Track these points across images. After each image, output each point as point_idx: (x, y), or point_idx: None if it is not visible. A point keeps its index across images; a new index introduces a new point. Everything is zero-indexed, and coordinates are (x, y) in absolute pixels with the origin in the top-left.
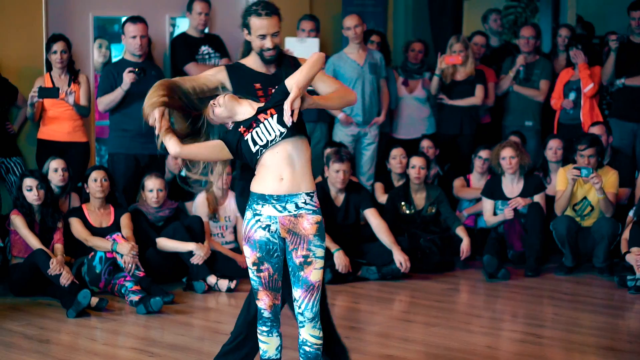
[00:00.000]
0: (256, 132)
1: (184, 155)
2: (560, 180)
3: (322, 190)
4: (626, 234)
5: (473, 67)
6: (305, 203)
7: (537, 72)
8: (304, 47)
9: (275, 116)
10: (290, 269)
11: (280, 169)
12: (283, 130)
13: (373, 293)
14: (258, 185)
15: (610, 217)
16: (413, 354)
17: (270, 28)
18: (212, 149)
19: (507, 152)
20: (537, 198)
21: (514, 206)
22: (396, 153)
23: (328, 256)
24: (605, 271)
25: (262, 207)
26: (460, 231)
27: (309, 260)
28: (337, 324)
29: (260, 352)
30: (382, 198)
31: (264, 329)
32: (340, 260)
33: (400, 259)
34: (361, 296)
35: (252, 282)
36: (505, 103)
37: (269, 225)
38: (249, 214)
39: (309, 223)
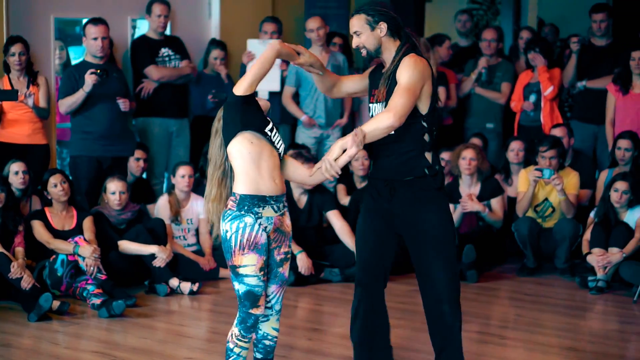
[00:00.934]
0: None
1: None
2: (522, 182)
3: None
4: (587, 235)
5: (435, 70)
6: (284, 202)
7: (499, 75)
8: None
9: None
10: (267, 266)
11: (274, 171)
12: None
13: (336, 295)
14: (255, 186)
15: (572, 218)
16: None
17: (352, 27)
18: None
19: (468, 153)
20: (494, 202)
21: (465, 208)
22: (359, 155)
23: (291, 258)
24: (566, 272)
25: (263, 209)
26: None
27: (287, 256)
28: (300, 326)
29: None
30: (344, 200)
31: (250, 336)
32: (303, 262)
33: None
34: (324, 298)
35: (253, 289)
36: (467, 105)
37: (266, 227)
38: (248, 219)
39: (289, 220)
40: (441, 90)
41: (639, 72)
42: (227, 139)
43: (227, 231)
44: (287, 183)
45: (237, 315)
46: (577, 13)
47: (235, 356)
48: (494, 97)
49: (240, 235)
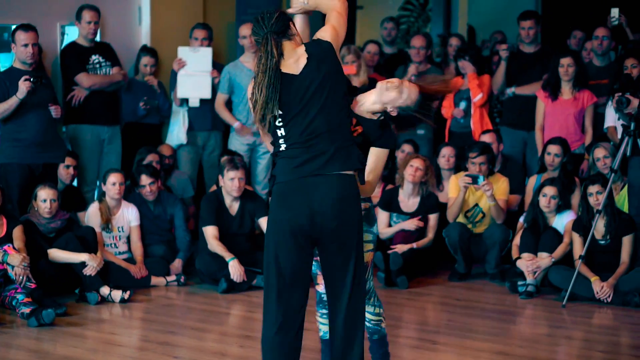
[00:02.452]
0: None
1: None
2: (452, 188)
3: (216, 198)
4: (517, 240)
5: (366, 76)
6: None
7: None
8: (197, 57)
9: None
10: None
11: None
12: None
13: None
14: None
15: (501, 223)
16: None
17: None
18: None
19: (416, 162)
20: (431, 218)
21: (407, 227)
22: None
23: (223, 265)
24: (496, 277)
25: None
26: None
27: None
28: (232, 333)
29: (321, 333)
30: None
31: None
32: (235, 269)
33: None
34: (256, 305)
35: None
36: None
37: None
38: None
39: None
40: None
41: (568, 78)
42: None
43: None
44: (219, 190)
45: (374, 298)
46: (506, 20)
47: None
48: None
49: None
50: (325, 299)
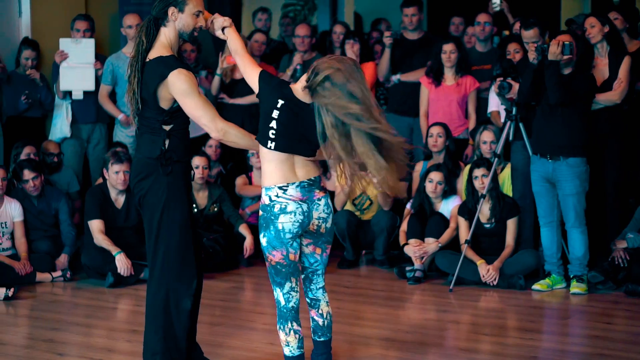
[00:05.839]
0: None
1: None
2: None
3: (101, 192)
4: (404, 226)
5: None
6: None
7: None
8: (79, 48)
9: None
10: None
11: None
12: None
13: None
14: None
15: (389, 210)
16: None
17: None
18: None
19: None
20: None
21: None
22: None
23: (110, 259)
24: (385, 263)
25: None
26: (243, 229)
27: None
28: (120, 327)
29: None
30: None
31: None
32: (121, 262)
33: None
34: (144, 298)
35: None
36: None
37: None
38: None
39: None
40: None
41: (450, 64)
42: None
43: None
44: (104, 184)
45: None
46: (391, 7)
47: None
48: None
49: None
50: (286, 311)
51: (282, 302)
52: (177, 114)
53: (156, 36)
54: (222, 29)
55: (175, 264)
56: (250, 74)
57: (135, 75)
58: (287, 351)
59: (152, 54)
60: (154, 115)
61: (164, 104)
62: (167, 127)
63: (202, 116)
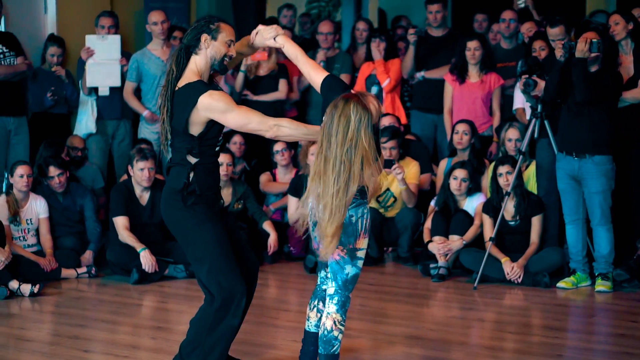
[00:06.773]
0: None
1: None
2: None
3: (126, 188)
4: (428, 223)
5: (275, 62)
6: None
7: (337, 67)
8: (105, 45)
9: None
10: None
11: None
12: None
13: (181, 292)
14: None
15: (413, 207)
16: None
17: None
18: None
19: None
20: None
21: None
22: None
23: (134, 256)
24: (409, 260)
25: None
26: (267, 226)
27: None
28: (144, 324)
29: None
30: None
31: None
32: (146, 259)
33: None
34: (169, 295)
35: (360, 271)
36: (307, 98)
37: None
38: (367, 206)
39: None
40: (283, 83)
41: (475, 61)
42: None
43: (352, 216)
44: (128, 180)
45: (335, 302)
46: (416, 3)
47: (339, 344)
48: None
49: (365, 219)
50: (319, 290)
51: (318, 282)
52: (205, 143)
53: (186, 65)
54: (274, 38)
55: (224, 282)
56: (315, 77)
57: (165, 105)
58: (305, 325)
59: (181, 82)
60: (183, 144)
61: (194, 130)
62: (193, 160)
63: (248, 123)
